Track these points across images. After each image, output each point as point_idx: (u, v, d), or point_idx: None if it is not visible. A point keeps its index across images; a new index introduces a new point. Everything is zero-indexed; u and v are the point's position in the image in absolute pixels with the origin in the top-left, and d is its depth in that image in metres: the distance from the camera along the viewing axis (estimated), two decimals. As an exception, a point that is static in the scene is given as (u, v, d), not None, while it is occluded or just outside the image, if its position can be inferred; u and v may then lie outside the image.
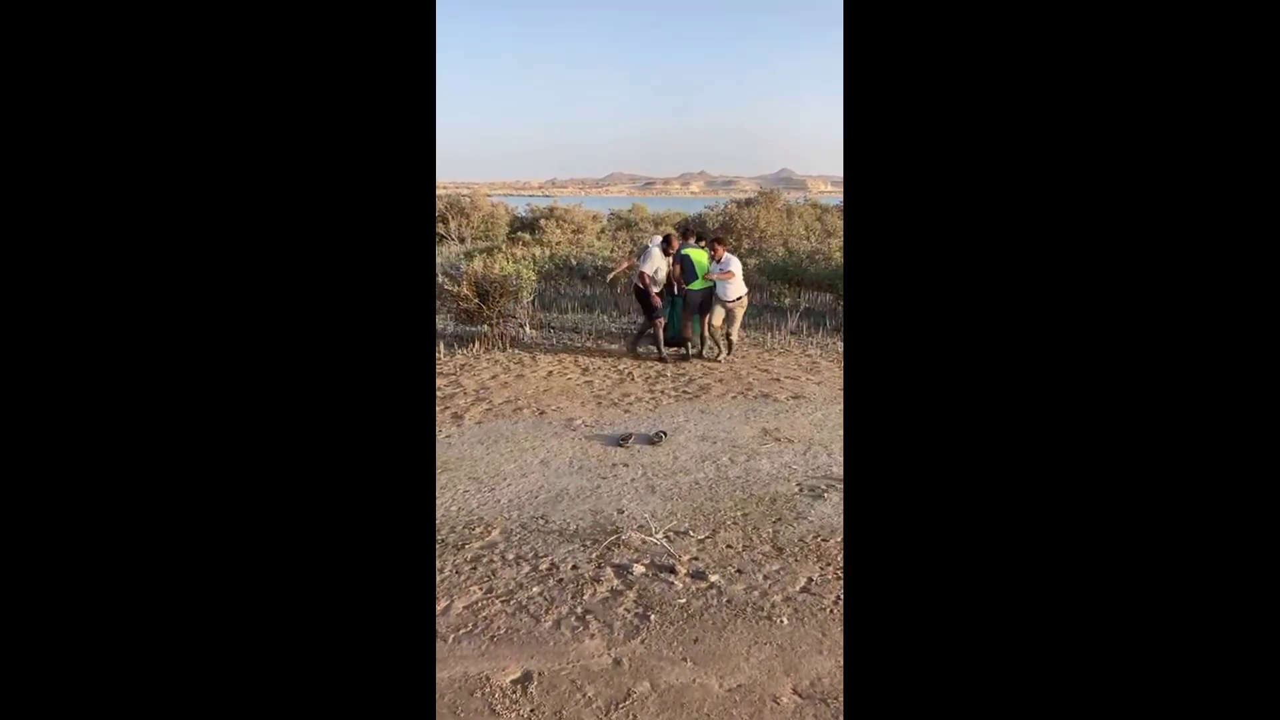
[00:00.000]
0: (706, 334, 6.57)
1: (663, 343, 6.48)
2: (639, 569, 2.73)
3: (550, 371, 6.04)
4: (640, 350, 6.71)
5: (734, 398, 5.28)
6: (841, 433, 4.43)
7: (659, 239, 7.10)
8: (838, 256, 9.08)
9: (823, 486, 3.57)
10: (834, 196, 16.82)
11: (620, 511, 3.31)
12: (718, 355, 6.41)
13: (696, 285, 6.48)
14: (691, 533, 3.07)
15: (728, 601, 2.51)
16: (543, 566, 2.78)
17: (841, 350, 6.71)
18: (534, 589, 2.61)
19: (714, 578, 2.66)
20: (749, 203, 12.55)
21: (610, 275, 8.37)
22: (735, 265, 6.35)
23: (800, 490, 3.54)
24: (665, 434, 4.37)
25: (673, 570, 2.72)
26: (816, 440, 4.30)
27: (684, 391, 5.45)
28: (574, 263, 10.31)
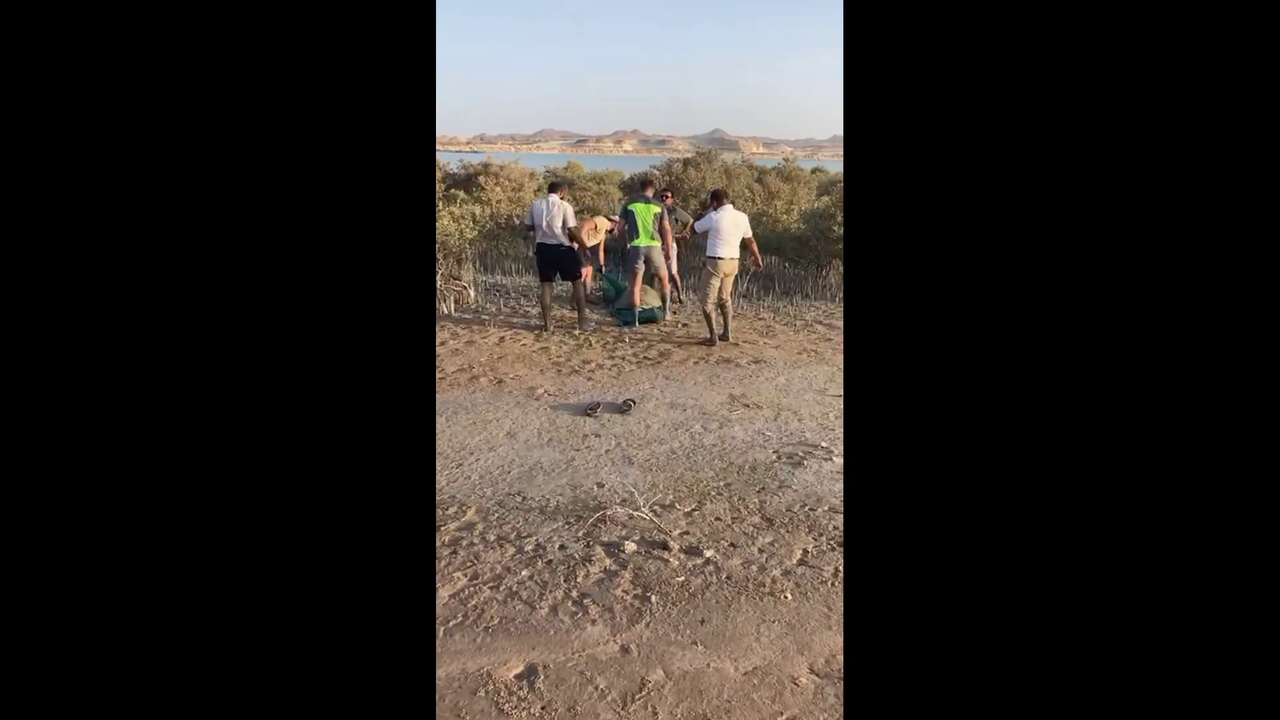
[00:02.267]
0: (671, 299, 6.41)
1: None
2: (630, 546, 2.61)
3: (502, 338, 5.77)
4: (624, 319, 6.42)
5: (696, 363, 5.18)
6: (808, 398, 4.42)
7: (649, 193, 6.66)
8: (784, 219, 9.07)
9: (800, 454, 3.54)
10: (768, 159, 16.85)
11: (600, 485, 3.17)
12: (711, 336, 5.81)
13: (640, 242, 6.19)
14: (677, 505, 2.97)
15: (727, 578, 2.43)
16: (528, 548, 2.62)
17: (794, 314, 6.72)
18: (523, 573, 2.45)
19: (709, 553, 2.58)
20: (689, 162, 12.33)
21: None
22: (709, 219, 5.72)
23: (779, 458, 3.49)
24: (634, 402, 4.23)
25: (665, 547, 2.62)
26: (784, 406, 4.27)
27: (645, 357, 5.31)
28: (516, 222, 9.88)
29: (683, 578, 2.43)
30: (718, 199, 5.89)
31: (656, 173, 11.52)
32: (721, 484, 3.20)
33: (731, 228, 5.68)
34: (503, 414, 4.07)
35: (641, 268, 6.28)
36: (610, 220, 7.39)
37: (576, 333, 6.00)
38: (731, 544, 2.66)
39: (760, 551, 2.61)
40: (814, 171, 15.17)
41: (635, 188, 6.59)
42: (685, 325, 6.17)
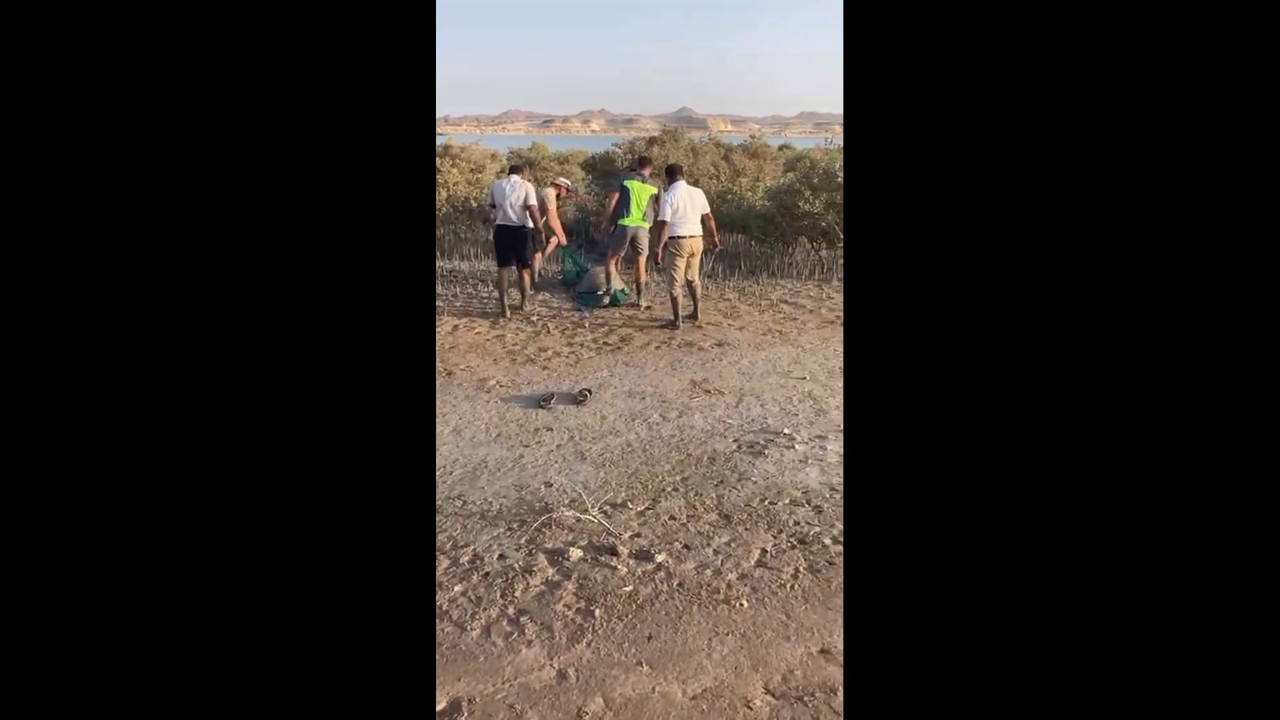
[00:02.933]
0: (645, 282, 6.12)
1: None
2: (576, 553, 2.41)
3: (455, 326, 5.49)
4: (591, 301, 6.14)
5: (658, 348, 4.97)
6: (771, 381, 4.23)
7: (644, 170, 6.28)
8: (748, 196, 8.85)
9: (761, 442, 3.36)
10: (735, 136, 16.63)
11: (548, 485, 2.95)
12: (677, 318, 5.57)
13: (630, 221, 5.94)
14: (630, 504, 2.77)
15: (679, 585, 2.23)
16: (464, 559, 2.40)
17: (759, 293, 6.54)
18: (455, 589, 2.23)
19: (660, 557, 2.38)
20: (655, 140, 12.04)
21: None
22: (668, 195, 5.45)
23: (739, 447, 3.30)
24: (590, 392, 4.01)
25: (614, 551, 2.42)
26: (747, 390, 4.08)
27: (605, 343, 5.08)
28: (474, 204, 9.53)
29: (630, 587, 2.23)
30: (671, 175, 5.66)
31: (619, 150, 11.18)
32: (678, 478, 3.00)
33: (688, 205, 5.44)
34: (449, 408, 3.82)
35: (625, 250, 6.03)
36: (558, 186, 7.13)
37: (525, 309, 5.79)
38: (685, 546, 2.47)
39: (716, 553, 2.42)
40: (781, 148, 15.01)
41: (634, 165, 6.16)
42: (649, 308, 5.94)
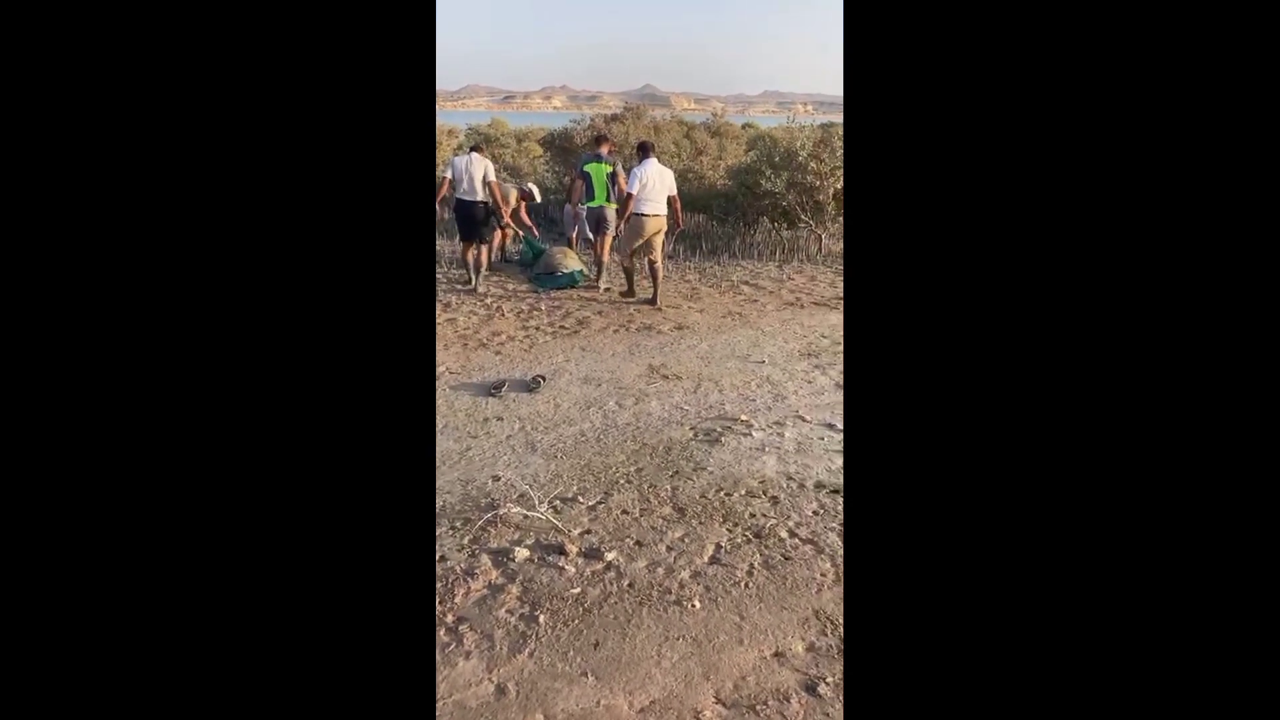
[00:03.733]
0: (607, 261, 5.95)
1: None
2: (521, 553, 2.27)
3: (406, 309, 5.25)
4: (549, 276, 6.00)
5: (615, 331, 4.82)
6: (730, 366, 4.13)
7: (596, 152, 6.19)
8: (710, 175, 8.70)
9: (718, 429, 3.25)
10: (697, 114, 16.48)
11: (496, 479, 2.80)
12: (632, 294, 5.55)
13: (596, 203, 5.85)
14: (581, 498, 2.64)
15: (629, 585, 2.12)
16: (402, 563, 2.24)
17: (720, 275, 6.42)
18: (391, 596, 2.08)
19: (610, 555, 2.26)
20: (615, 117, 11.76)
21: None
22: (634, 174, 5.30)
23: (695, 435, 3.20)
24: (544, 379, 3.85)
25: (562, 551, 2.29)
26: (705, 376, 3.97)
27: (561, 327, 4.91)
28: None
29: (579, 589, 2.10)
30: (643, 151, 5.53)
31: (558, 132, 10.87)
32: (632, 469, 2.88)
33: (657, 182, 5.32)
34: (395, 398, 3.62)
35: (611, 231, 5.89)
36: (519, 193, 6.91)
37: (480, 289, 5.67)
38: (638, 542, 2.35)
39: (669, 550, 2.31)
40: (744, 127, 14.90)
41: (592, 145, 6.10)
42: (608, 290, 5.78)
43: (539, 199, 7.18)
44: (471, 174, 5.67)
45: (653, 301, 5.44)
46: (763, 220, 7.80)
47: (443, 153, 11.55)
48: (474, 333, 4.75)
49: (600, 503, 2.61)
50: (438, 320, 4.99)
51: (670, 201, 5.42)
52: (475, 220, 5.73)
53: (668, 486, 2.73)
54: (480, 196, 5.68)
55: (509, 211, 6.50)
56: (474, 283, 5.78)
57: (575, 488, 2.72)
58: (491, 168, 5.81)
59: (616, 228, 5.69)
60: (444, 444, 3.11)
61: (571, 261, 6.08)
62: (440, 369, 4.06)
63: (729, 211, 7.84)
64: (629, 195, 5.24)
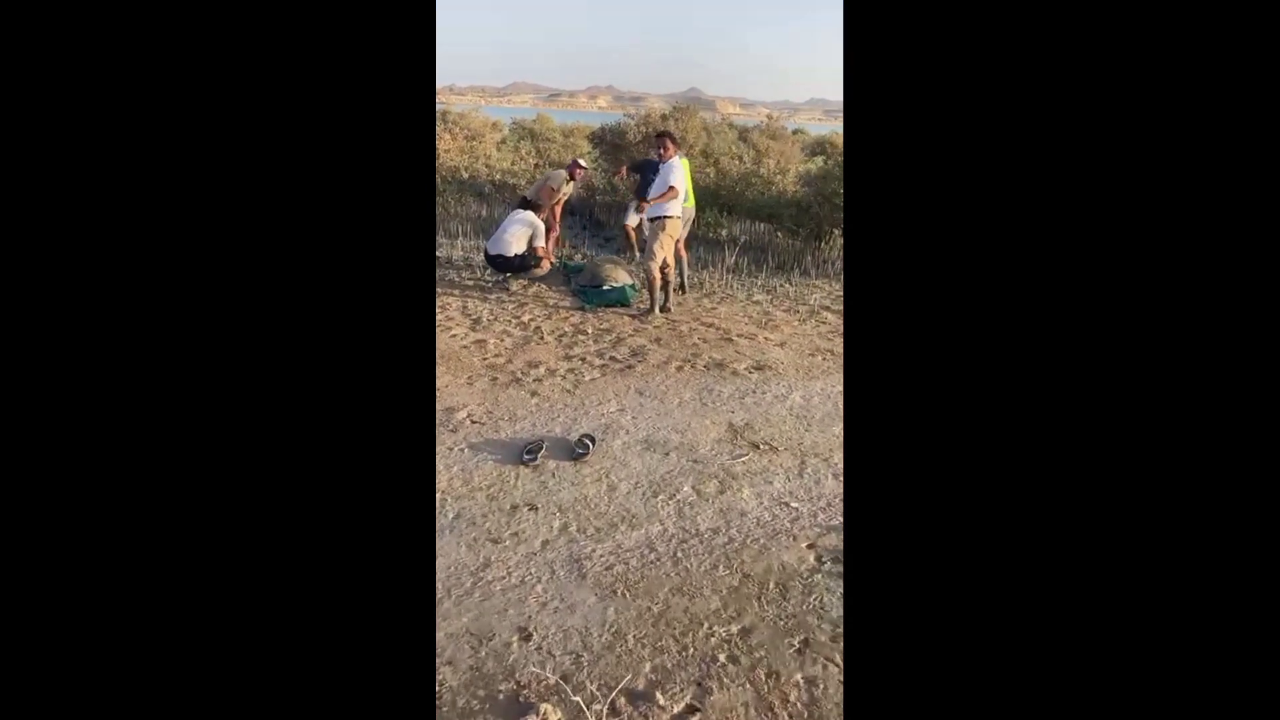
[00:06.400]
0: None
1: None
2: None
3: (428, 324, 4.26)
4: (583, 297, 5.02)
5: (679, 368, 3.75)
6: (839, 431, 3.03)
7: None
8: (778, 180, 7.57)
9: (850, 549, 2.17)
10: (746, 119, 15.45)
11: (525, 636, 1.75)
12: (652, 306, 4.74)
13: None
14: (658, 695, 1.58)
15: None
16: None
17: (796, 296, 5.32)
18: None
19: None
20: (665, 118, 10.73)
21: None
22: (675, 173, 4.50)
23: (820, 560, 2.11)
24: (592, 440, 2.80)
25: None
26: (810, 448, 2.88)
27: (612, 359, 3.86)
28: (465, 176, 8.23)
29: None
30: (665, 143, 4.57)
31: (612, 127, 9.82)
32: (735, 629, 1.80)
33: (684, 179, 4.56)
34: (395, 460, 2.61)
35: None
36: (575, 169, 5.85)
37: (512, 287, 4.61)
38: (770, 823, 1.29)
39: None
40: (795, 133, 13.85)
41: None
42: (665, 309, 4.72)
43: (586, 165, 6.20)
44: (510, 229, 5.02)
45: (665, 308, 4.66)
46: (833, 234, 6.67)
47: (485, 146, 10.64)
48: (506, 361, 3.72)
49: (690, 709, 1.54)
50: (463, 343, 3.99)
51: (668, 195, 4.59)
52: (509, 270, 5.13)
53: (796, 672, 1.65)
54: (514, 251, 5.01)
55: (560, 204, 5.79)
56: (505, 278, 5.09)
57: (648, 667, 1.66)
58: (542, 229, 5.14)
59: (636, 235, 4.81)
60: (457, 552, 2.07)
61: (621, 275, 5.03)
62: (460, 413, 3.04)
63: (801, 222, 6.72)
64: (671, 188, 4.44)
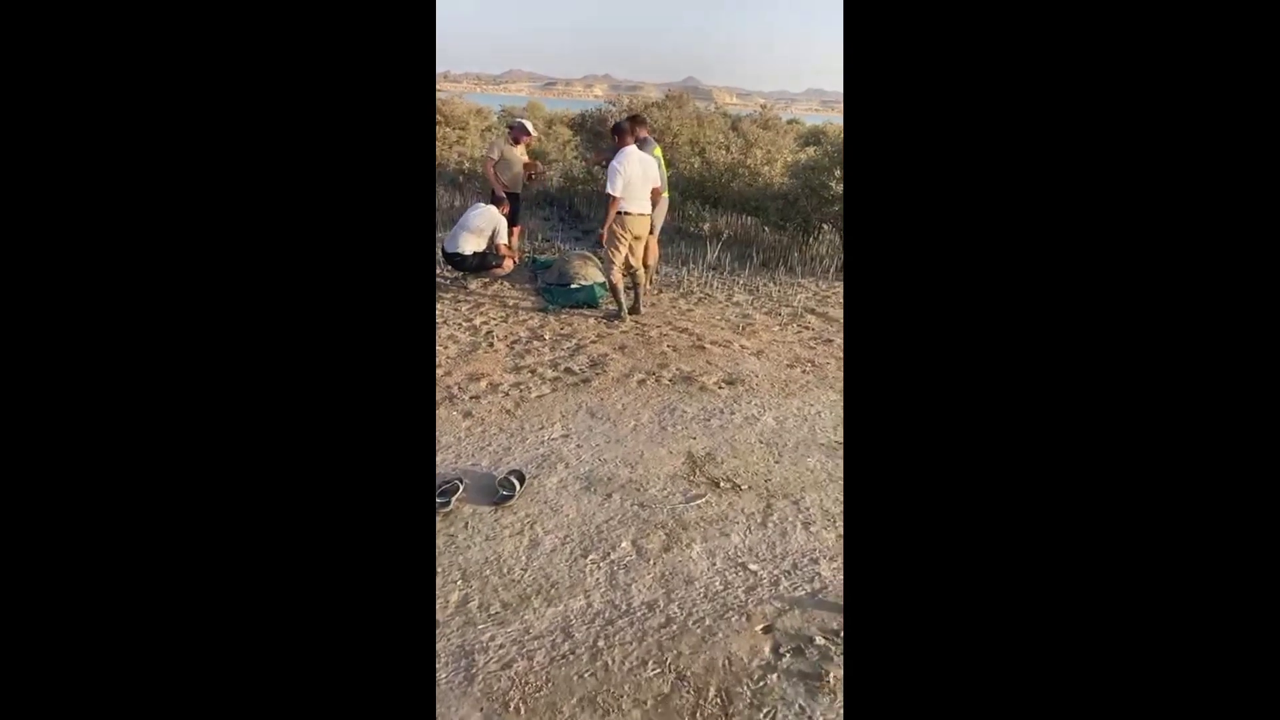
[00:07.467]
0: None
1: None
2: None
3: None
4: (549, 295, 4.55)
5: (640, 382, 3.29)
6: (813, 463, 2.57)
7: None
8: (765, 171, 7.07)
9: (817, 637, 1.71)
10: (742, 109, 14.99)
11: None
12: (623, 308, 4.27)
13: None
14: None
15: None
16: None
17: (779, 296, 4.84)
18: None
19: None
20: (656, 105, 10.19)
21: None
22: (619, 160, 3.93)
23: (777, 651, 1.66)
24: (521, 478, 2.34)
25: None
26: (777, 486, 2.42)
27: (567, 370, 3.39)
28: (450, 168, 7.72)
29: None
30: (622, 133, 4.02)
31: (592, 114, 9.27)
32: (656, 756, 1.35)
33: (640, 176, 3.92)
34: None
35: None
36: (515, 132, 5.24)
37: (470, 284, 4.12)
38: None
39: None
40: (790, 123, 13.32)
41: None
42: (632, 310, 4.25)
43: (533, 131, 5.46)
44: (470, 223, 4.57)
45: (635, 310, 4.18)
46: (824, 229, 6.19)
47: (468, 136, 10.11)
48: (444, 375, 3.26)
49: None
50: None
51: (653, 195, 4.07)
52: (467, 269, 4.68)
53: (731, 841, 1.20)
54: (471, 249, 4.55)
55: (529, 175, 5.32)
56: (463, 276, 4.64)
57: (530, 832, 1.21)
58: (504, 225, 4.69)
59: (600, 236, 4.19)
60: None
61: (592, 272, 4.55)
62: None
63: (788, 216, 6.23)
64: (611, 199, 3.90)
